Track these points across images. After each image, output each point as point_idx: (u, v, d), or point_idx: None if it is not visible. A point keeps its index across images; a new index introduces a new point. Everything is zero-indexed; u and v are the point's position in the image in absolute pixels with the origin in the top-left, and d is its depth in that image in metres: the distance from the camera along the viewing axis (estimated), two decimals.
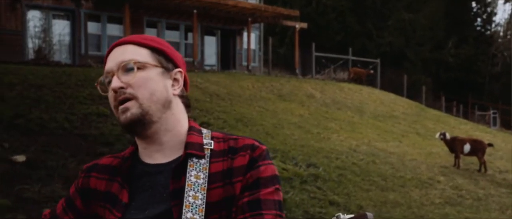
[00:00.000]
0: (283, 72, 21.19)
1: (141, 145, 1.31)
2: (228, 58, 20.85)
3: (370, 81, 22.13)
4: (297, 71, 20.98)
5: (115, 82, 1.22)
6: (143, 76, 1.24)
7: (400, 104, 19.46)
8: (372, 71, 22.56)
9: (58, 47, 15.47)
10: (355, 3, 29.72)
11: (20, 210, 4.68)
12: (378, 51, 27.83)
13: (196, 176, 1.22)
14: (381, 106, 17.98)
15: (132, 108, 1.22)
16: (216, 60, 20.03)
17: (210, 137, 1.31)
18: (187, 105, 1.34)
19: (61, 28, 15.77)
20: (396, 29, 29.53)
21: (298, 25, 20.84)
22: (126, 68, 1.24)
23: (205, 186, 1.22)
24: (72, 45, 16.29)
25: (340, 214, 1.26)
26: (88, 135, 7.31)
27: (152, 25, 18.69)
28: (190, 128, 1.32)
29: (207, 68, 18.72)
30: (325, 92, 17.13)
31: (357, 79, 21.36)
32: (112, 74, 1.24)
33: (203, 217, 1.19)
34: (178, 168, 1.24)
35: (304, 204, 6.54)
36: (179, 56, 1.34)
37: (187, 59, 19.18)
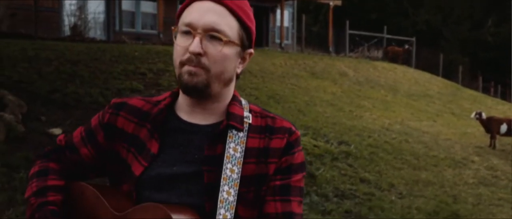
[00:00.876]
0: (316, 50, 21.01)
1: (185, 102, 1.29)
2: (261, 35, 20.76)
3: (405, 60, 21.73)
4: (331, 49, 20.77)
5: (196, 47, 1.18)
6: (224, 54, 1.21)
7: (435, 83, 19.09)
8: (410, 48, 22.11)
9: (93, 24, 15.68)
10: None
11: None
12: (413, 30, 27.25)
13: (234, 149, 1.22)
14: (416, 86, 17.68)
15: (200, 76, 1.20)
16: None
17: (248, 109, 1.30)
18: (237, 77, 1.33)
19: (95, 5, 15.96)
20: (433, 7, 28.80)
21: (332, 3, 20.56)
22: (213, 37, 1.20)
23: (241, 160, 1.22)
24: (107, 22, 16.50)
25: None
26: None
27: None
28: (233, 98, 1.31)
29: None
30: (358, 71, 16.92)
31: (393, 58, 21.01)
32: (196, 32, 1.19)
33: (237, 191, 1.19)
34: (216, 135, 1.23)
35: (334, 180, 6.53)
36: (255, 33, 1.31)
37: None
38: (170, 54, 11.22)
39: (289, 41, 21.55)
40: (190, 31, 1.20)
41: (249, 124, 1.27)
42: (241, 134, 1.24)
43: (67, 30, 14.63)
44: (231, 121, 1.25)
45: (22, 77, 7.84)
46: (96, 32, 15.90)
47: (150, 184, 1.23)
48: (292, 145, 1.26)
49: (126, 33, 15.99)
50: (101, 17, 16.42)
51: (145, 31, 17.27)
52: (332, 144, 7.99)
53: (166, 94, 1.35)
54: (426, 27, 28.49)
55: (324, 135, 8.37)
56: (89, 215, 1.28)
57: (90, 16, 15.59)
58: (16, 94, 6.73)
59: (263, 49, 17.52)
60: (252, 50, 1.30)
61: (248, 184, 1.22)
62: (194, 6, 1.22)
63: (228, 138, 1.23)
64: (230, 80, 1.27)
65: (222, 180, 1.19)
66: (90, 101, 7.48)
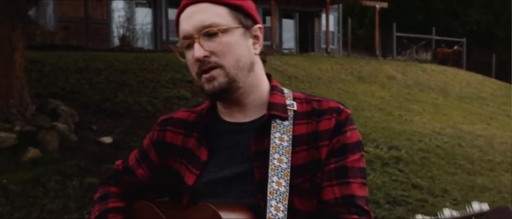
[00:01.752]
0: (362, 54, 20.71)
1: (221, 105, 1.26)
2: (306, 41, 20.66)
3: (455, 62, 21.12)
4: (378, 52, 20.43)
5: (199, 51, 1.16)
6: (228, 42, 1.17)
7: (488, 85, 18.44)
8: (460, 49, 21.48)
9: (140, 34, 16.00)
10: None
11: None
12: (463, 30, 26.47)
13: (280, 138, 1.17)
14: (467, 88, 17.13)
15: (219, 77, 1.17)
16: (295, 43, 19.92)
17: (292, 98, 1.25)
18: (264, 61, 1.28)
19: (143, 15, 16.29)
20: (484, 6, 27.90)
21: (378, 5, 20.24)
22: (209, 34, 1.17)
23: (289, 149, 1.16)
24: (154, 31, 16.80)
25: (477, 203, 1.08)
26: None
27: None
28: (273, 88, 1.26)
29: (286, 51, 18.66)
30: (406, 74, 16.56)
31: (443, 60, 20.47)
32: (192, 39, 1.17)
33: (288, 181, 1.14)
34: (261, 129, 1.19)
35: (385, 186, 6.37)
36: (253, 7, 1.26)
37: (265, 43, 19.21)
38: None
39: (335, 46, 21.33)
40: (189, 42, 1.18)
41: (294, 111, 1.22)
42: (286, 123, 1.19)
43: (116, 41, 14.99)
44: (272, 110, 1.20)
45: (74, 88, 8.07)
46: (144, 42, 16.21)
47: (204, 191, 1.21)
48: (342, 124, 1.19)
49: (172, 42, 16.21)
50: (149, 27, 16.73)
51: None
52: (382, 149, 7.82)
53: (208, 102, 1.33)
54: (477, 27, 27.62)
55: (374, 140, 8.20)
56: None
57: (138, 27, 15.92)
58: (68, 104, 6.91)
59: (309, 55, 17.41)
60: (259, 25, 1.24)
61: (302, 174, 1.16)
62: (181, 19, 1.21)
63: (272, 128, 1.18)
64: (251, 65, 1.21)
65: (270, 171, 1.14)
66: (139, 110, 7.60)
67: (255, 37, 1.23)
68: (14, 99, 5.98)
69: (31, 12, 11.70)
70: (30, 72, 7.86)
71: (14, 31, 5.98)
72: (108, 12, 15.64)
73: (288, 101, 1.23)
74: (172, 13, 17.31)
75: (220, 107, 1.27)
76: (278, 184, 1.13)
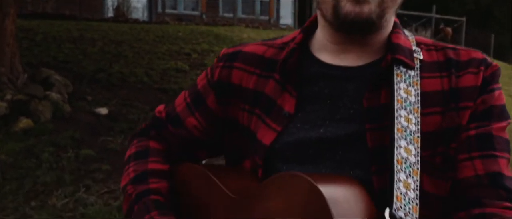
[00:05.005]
0: None
1: (329, 38, 0.93)
2: (304, 17, 20.36)
3: (453, 41, 20.95)
4: None
5: None
6: None
7: None
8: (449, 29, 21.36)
9: (135, 5, 15.65)
10: None
11: (105, 160, 4.66)
12: (462, 10, 26.24)
13: (407, 91, 0.85)
14: None
15: (372, 4, 0.84)
16: (293, 18, 19.61)
17: (415, 43, 0.93)
18: None
19: None
20: None
21: None
22: None
23: (418, 108, 0.84)
24: (149, 3, 16.43)
25: None
26: (167, 89, 7.26)
27: None
28: (395, 25, 0.93)
29: (283, 27, 18.37)
30: None
31: (442, 39, 20.31)
32: None
33: (419, 150, 0.81)
34: (379, 77, 0.87)
35: None
36: None
37: (263, 17, 18.90)
38: (214, 35, 11.09)
39: None
40: None
41: (420, 60, 0.89)
42: (411, 73, 0.87)
43: (110, 11, 14.65)
44: (397, 54, 0.87)
45: (67, 58, 7.79)
46: (138, 13, 15.86)
47: (286, 155, 0.88)
48: (489, 80, 0.88)
49: (168, 14, 15.87)
50: None
51: (187, 12, 17.12)
52: None
53: (294, 33, 0.99)
54: (475, 7, 27.40)
55: None
56: (199, 202, 0.97)
57: None
58: (61, 74, 6.64)
59: None
60: None
61: (433, 144, 0.84)
62: None
63: (395, 77, 0.86)
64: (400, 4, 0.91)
65: (396, 132, 0.81)
66: (135, 81, 7.35)
67: None
68: (4, 67, 5.71)
69: None
70: (21, 41, 7.57)
71: None
72: None
73: (413, 47, 0.91)
74: None
75: (322, 43, 0.95)
76: (407, 150, 0.81)
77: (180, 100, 1.07)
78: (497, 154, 0.83)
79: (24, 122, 5.13)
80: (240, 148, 0.97)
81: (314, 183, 0.70)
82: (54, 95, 5.73)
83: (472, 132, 0.84)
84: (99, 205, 3.87)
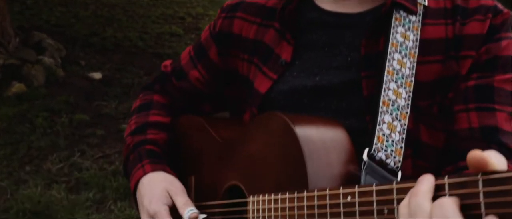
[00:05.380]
0: None
1: None
2: None
3: None
4: None
5: None
6: None
7: None
8: None
9: None
10: None
11: (99, 125, 4.64)
12: None
13: (404, 35, 0.82)
14: None
15: None
16: None
17: None
18: None
19: None
20: None
21: None
22: None
23: (415, 53, 0.82)
24: None
25: None
26: (162, 53, 7.18)
27: None
28: None
29: None
30: None
31: None
32: None
33: (411, 95, 0.79)
34: (377, 23, 0.84)
35: None
36: None
37: None
38: None
39: None
40: None
41: (424, 6, 0.86)
42: (413, 18, 0.84)
43: None
44: None
45: (59, 21, 7.67)
46: None
47: (281, 102, 0.88)
48: (497, 28, 0.83)
49: None
50: None
51: None
52: None
53: None
54: None
55: None
56: (195, 149, 1.01)
57: None
58: (54, 38, 6.55)
59: None
60: None
61: (431, 94, 0.82)
62: None
63: (393, 20, 0.83)
64: None
65: (386, 74, 0.79)
66: (129, 45, 7.27)
67: None
68: None
69: None
70: (12, 4, 7.43)
71: None
72: None
73: None
74: None
75: None
76: (396, 93, 0.78)
77: (185, 54, 1.08)
78: (496, 107, 0.80)
79: (17, 87, 5.07)
80: (240, 99, 0.97)
81: (288, 121, 0.71)
82: (46, 59, 5.66)
83: (472, 83, 0.81)
84: (94, 170, 3.86)
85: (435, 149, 0.83)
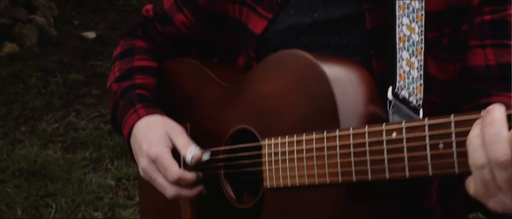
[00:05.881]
0: None
1: None
2: None
3: None
4: None
5: None
6: None
7: None
8: None
9: None
10: None
11: (94, 85, 4.59)
12: None
13: None
14: None
15: None
16: None
17: None
18: None
19: None
20: None
21: None
22: None
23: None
24: None
25: None
26: None
27: None
28: None
29: None
30: None
31: None
32: None
33: (422, 62, 0.76)
34: None
35: None
36: None
37: None
38: None
39: None
40: None
41: None
42: None
43: None
44: None
45: None
46: None
47: (278, 43, 0.83)
48: None
49: None
50: None
51: None
52: None
53: None
54: None
55: None
56: (190, 94, 0.95)
57: None
58: None
59: None
60: None
61: (439, 25, 0.78)
62: None
63: None
64: None
65: (398, 9, 0.75)
66: (123, 4, 7.14)
67: None
68: None
69: None
70: None
71: None
72: None
73: None
74: None
75: None
76: (410, 29, 0.75)
77: None
78: (510, 43, 0.77)
79: (9, 47, 5.00)
80: (232, 44, 0.92)
81: (314, 59, 0.68)
82: (39, 19, 5.56)
83: (487, 17, 0.78)
84: (90, 129, 3.83)
85: (444, 83, 0.80)
